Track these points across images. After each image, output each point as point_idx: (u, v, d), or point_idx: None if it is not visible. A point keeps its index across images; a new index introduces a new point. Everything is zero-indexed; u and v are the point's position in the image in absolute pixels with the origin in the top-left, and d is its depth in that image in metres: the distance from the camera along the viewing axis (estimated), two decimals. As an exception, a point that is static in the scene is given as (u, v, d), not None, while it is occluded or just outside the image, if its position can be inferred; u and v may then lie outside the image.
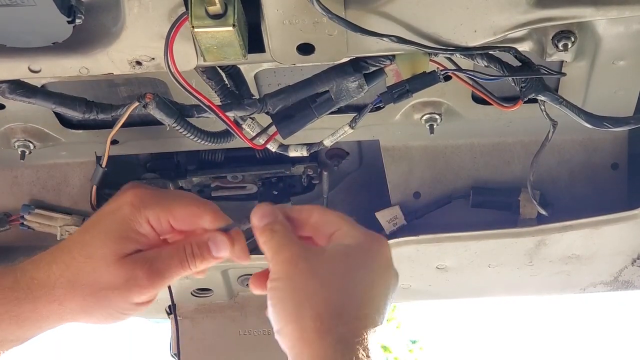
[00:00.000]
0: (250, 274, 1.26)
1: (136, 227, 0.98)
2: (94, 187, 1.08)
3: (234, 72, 0.94)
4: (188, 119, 0.97)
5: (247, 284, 1.29)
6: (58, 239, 1.16)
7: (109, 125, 1.06)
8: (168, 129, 0.97)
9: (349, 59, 0.90)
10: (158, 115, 0.94)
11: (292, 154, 1.03)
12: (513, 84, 0.91)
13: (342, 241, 0.93)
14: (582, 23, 0.87)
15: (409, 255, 1.19)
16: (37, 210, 1.17)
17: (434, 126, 1.06)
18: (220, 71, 0.94)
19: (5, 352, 1.01)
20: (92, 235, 0.98)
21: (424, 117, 1.06)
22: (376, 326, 0.91)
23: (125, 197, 0.99)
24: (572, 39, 0.88)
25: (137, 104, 0.93)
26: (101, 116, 0.96)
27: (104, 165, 1.04)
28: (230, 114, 0.93)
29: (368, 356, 0.88)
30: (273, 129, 0.98)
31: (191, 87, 0.87)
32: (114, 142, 1.04)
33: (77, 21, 0.78)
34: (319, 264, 0.92)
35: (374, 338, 0.90)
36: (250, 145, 0.97)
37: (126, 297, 0.97)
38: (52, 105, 0.95)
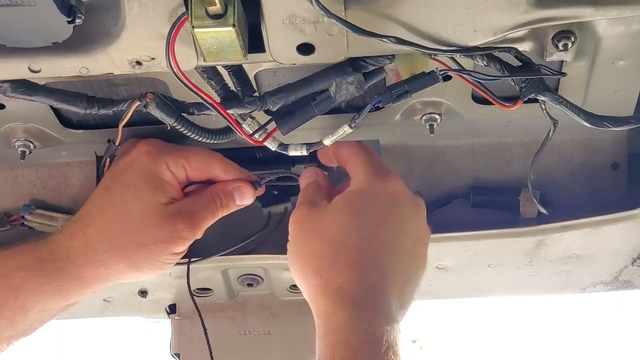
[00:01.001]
0: (251, 274, 1.27)
1: (159, 175, 1.00)
2: (108, 160, 1.07)
3: (236, 69, 0.94)
4: (188, 118, 0.97)
5: (247, 284, 1.29)
6: (58, 238, 1.16)
7: (109, 123, 1.07)
8: (169, 128, 0.97)
9: (348, 58, 0.90)
10: (158, 114, 0.94)
11: (292, 153, 1.03)
12: (513, 84, 0.91)
13: (347, 189, 0.97)
14: (582, 23, 0.87)
15: (409, 255, 1.19)
16: (37, 210, 1.17)
17: (434, 126, 1.06)
18: (223, 69, 0.94)
19: (46, 323, 1.00)
20: (120, 192, 0.98)
21: (424, 117, 1.06)
22: (383, 271, 0.90)
23: (139, 148, 1.01)
24: (572, 39, 0.88)
25: (138, 102, 0.94)
26: (102, 111, 0.96)
27: (117, 144, 1.04)
28: (231, 112, 0.93)
29: (366, 305, 0.87)
30: (272, 126, 0.98)
31: (194, 86, 0.88)
32: (112, 142, 1.05)
33: (77, 21, 0.78)
34: (320, 221, 0.95)
35: (382, 288, 0.89)
36: (249, 140, 0.97)
37: (170, 249, 1.00)
38: (54, 102, 0.95)
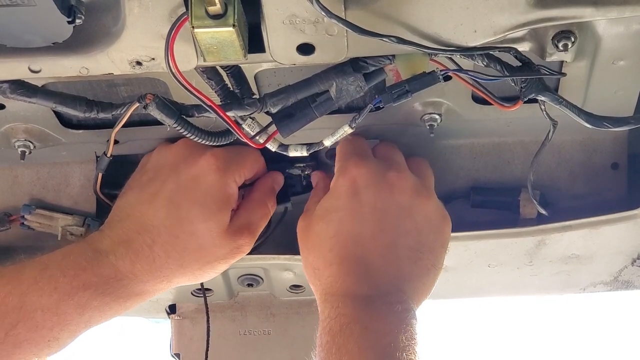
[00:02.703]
0: (251, 274, 1.27)
1: (228, 191, 1.00)
2: (100, 174, 1.07)
3: (235, 71, 0.94)
4: (188, 119, 0.97)
5: (247, 284, 1.29)
6: (59, 239, 1.16)
7: (109, 124, 1.06)
8: (169, 129, 0.97)
9: (349, 58, 0.90)
10: (158, 115, 0.94)
11: (292, 153, 1.03)
12: (513, 84, 0.91)
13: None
14: (582, 23, 0.87)
15: (409, 255, 1.19)
16: (37, 210, 1.17)
17: (434, 126, 1.06)
18: (222, 70, 0.94)
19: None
20: (188, 209, 0.98)
21: (424, 117, 1.06)
22: (361, 259, 0.93)
23: (207, 161, 1.00)
24: (572, 39, 0.88)
25: (137, 104, 0.93)
26: (102, 115, 0.96)
27: (108, 155, 1.04)
28: (231, 114, 0.93)
29: (347, 294, 0.91)
30: (273, 128, 0.98)
31: (192, 87, 0.88)
32: (104, 154, 1.05)
33: (77, 21, 0.78)
34: (308, 230, 1.00)
35: (363, 275, 0.93)
36: (250, 144, 0.97)
37: (229, 262, 1.02)
38: (53, 105, 0.95)
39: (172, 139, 1.09)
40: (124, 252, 0.97)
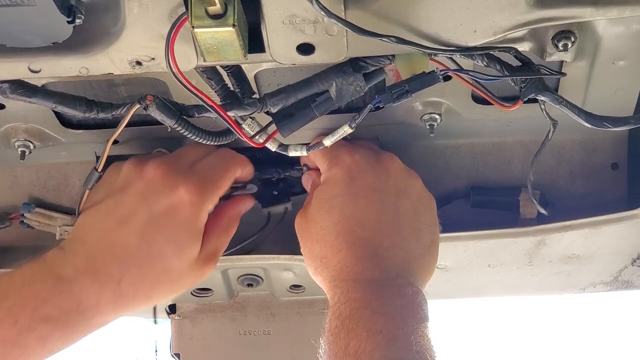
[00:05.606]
0: (251, 274, 1.27)
1: (201, 224, 1.00)
2: (87, 192, 1.05)
3: (235, 71, 0.94)
4: (188, 119, 0.97)
5: (247, 284, 1.29)
6: (57, 238, 1.16)
7: (109, 124, 1.06)
8: (169, 129, 0.97)
9: (348, 58, 0.90)
10: (159, 116, 0.94)
11: (292, 153, 1.03)
12: (513, 84, 0.91)
13: (317, 188, 1.04)
14: (582, 23, 0.87)
15: (409, 255, 1.19)
16: (37, 209, 1.17)
17: (434, 126, 1.06)
18: (222, 70, 0.94)
19: None
20: (160, 246, 0.96)
21: (424, 117, 1.06)
22: (369, 243, 0.95)
23: (182, 196, 0.97)
24: (572, 39, 0.88)
25: (138, 105, 0.93)
26: (101, 115, 0.96)
27: (100, 170, 1.02)
28: (231, 114, 0.93)
29: (358, 279, 0.92)
30: (273, 127, 0.98)
31: (193, 87, 0.88)
32: (114, 142, 1.04)
33: (77, 21, 0.78)
34: (306, 223, 1.01)
35: (373, 259, 0.94)
36: (250, 143, 0.97)
37: (195, 284, 1.06)
38: (53, 105, 0.95)
39: (146, 152, 1.09)
40: (89, 284, 0.93)
